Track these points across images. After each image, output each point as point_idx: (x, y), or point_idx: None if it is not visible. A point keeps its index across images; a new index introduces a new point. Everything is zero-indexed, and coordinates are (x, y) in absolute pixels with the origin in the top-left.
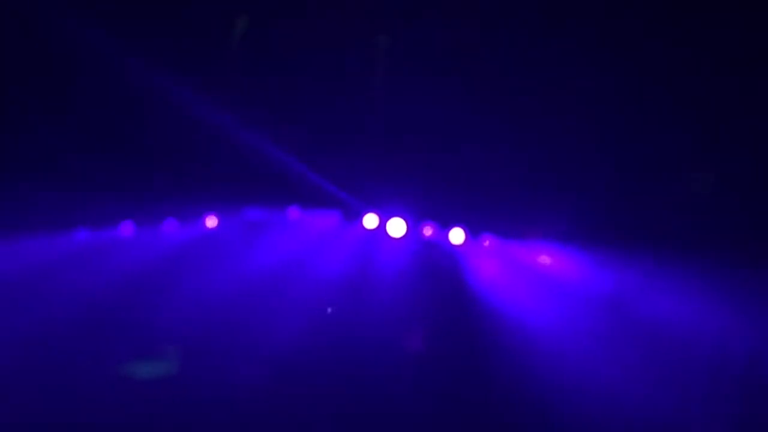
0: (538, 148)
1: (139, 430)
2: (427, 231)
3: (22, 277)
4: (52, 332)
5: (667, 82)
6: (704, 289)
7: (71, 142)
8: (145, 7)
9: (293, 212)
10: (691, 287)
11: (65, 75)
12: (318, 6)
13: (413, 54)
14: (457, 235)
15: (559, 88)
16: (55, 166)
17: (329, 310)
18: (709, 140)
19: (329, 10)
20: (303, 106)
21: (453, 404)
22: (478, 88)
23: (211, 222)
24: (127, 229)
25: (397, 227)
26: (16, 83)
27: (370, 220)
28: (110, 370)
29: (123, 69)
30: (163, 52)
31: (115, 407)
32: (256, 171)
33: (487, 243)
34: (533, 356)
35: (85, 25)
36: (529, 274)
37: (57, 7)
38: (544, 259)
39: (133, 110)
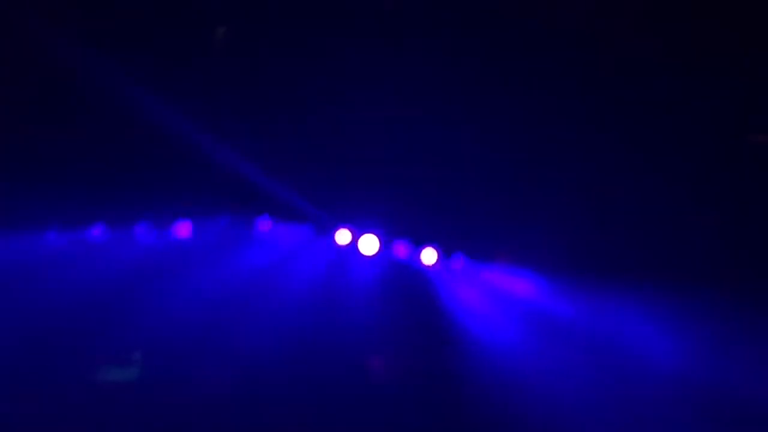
0: (514, 171)
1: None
2: (399, 249)
3: None
4: (23, 337)
5: (651, 113)
6: (676, 318)
7: (46, 147)
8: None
9: (265, 224)
10: (663, 315)
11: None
12: (294, 16)
13: (390, 71)
14: (429, 255)
15: (536, 110)
16: (29, 169)
17: None
18: (687, 170)
19: (304, 19)
20: (281, 122)
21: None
22: (456, 108)
23: (184, 231)
24: (99, 234)
25: (369, 244)
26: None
27: (343, 236)
28: (82, 374)
29: (100, 77)
30: (139, 60)
31: (88, 410)
32: (229, 181)
33: (458, 265)
34: (501, 380)
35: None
36: (498, 298)
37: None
38: (515, 284)
39: (110, 117)
